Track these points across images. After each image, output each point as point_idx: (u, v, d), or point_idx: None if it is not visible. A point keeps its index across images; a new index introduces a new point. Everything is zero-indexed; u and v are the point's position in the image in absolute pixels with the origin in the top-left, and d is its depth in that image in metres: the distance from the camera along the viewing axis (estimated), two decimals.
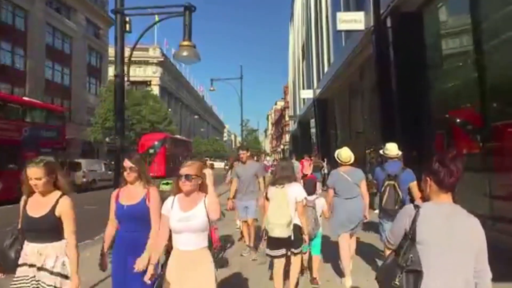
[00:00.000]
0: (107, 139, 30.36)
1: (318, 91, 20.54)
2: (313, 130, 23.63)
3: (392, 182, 4.41)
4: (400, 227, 1.87)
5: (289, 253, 3.97)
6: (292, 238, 3.83)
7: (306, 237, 3.98)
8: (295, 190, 3.91)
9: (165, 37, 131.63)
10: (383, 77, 8.55)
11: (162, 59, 58.90)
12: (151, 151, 27.70)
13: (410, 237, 1.79)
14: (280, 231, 3.76)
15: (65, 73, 33.89)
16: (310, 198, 4.45)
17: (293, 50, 44.46)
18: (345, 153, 4.77)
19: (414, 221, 1.79)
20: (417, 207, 1.85)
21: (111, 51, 46.94)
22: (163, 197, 2.82)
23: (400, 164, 4.61)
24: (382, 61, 8.45)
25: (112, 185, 6.02)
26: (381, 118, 8.97)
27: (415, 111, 7.52)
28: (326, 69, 18.98)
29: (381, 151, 4.90)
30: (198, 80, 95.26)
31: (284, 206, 3.79)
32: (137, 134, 30.64)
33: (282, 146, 72.29)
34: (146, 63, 58.45)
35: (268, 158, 42.24)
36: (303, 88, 29.85)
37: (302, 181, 5.11)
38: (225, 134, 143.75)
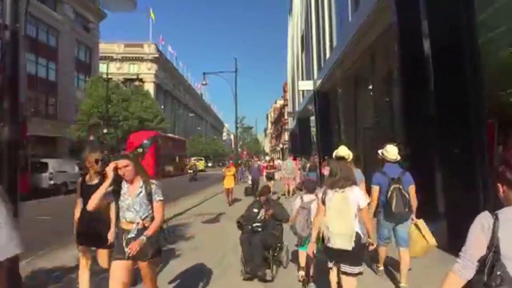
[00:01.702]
0: (91, 137, 28.44)
1: (318, 81, 18.44)
2: (313, 127, 21.62)
3: (397, 186, 4.33)
4: (479, 239, 1.53)
5: (343, 268, 3.55)
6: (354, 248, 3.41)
7: (371, 240, 3.60)
8: (358, 195, 3.52)
9: (160, 34, 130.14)
10: (408, 56, 6.54)
11: (157, 56, 57.68)
12: (140, 150, 25.92)
13: (494, 250, 1.47)
14: (342, 242, 3.35)
15: (50, 68, 31.98)
16: (307, 199, 4.58)
17: (292, 43, 42.45)
18: (342, 152, 4.77)
19: (494, 231, 1.48)
20: (494, 213, 1.53)
21: (102, 46, 45.58)
22: None
23: (399, 168, 4.54)
24: (408, 34, 6.42)
25: None
26: (403, 108, 6.99)
27: (457, 95, 5.45)
28: (328, 56, 16.89)
29: (379, 152, 4.70)
30: (196, 79, 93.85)
31: (346, 213, 3.41)
32: (124, 132, 28.73)
33: (281, 145, 70.46)
34: (141, 59, 57.23)
35: (267, 158, 39.97)
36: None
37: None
38: (224, 133, 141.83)
